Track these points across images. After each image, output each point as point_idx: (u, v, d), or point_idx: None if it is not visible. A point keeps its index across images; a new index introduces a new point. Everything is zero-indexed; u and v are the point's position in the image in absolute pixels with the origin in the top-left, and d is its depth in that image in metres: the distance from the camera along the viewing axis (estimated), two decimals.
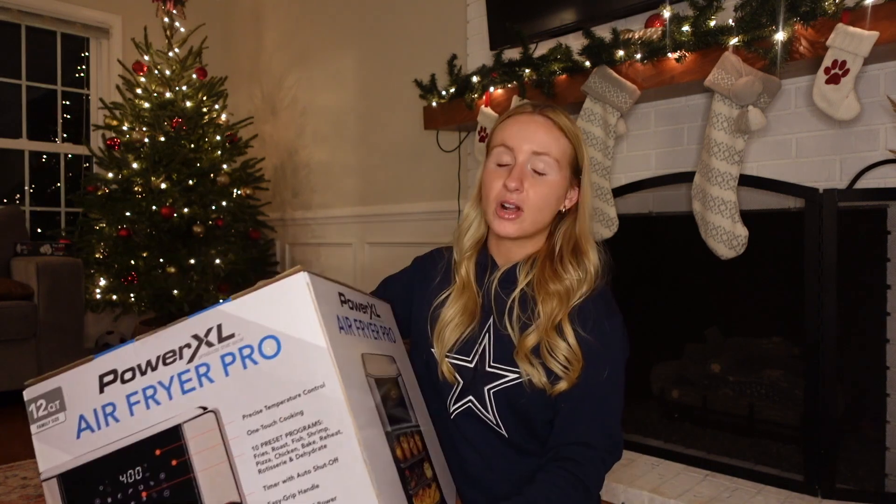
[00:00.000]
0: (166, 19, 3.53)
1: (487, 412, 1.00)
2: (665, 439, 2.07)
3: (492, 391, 0.99)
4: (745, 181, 1.82)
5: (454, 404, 1.03)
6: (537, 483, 0.89)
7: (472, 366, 1.02)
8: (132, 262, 3.25)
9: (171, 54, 3.51)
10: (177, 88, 3.46)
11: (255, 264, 3.58)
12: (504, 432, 1.00)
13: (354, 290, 0.88)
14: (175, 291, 3.24)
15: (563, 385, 0.94)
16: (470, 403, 1.01)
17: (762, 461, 1.86)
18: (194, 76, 3.55)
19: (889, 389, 1.68)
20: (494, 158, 1.02)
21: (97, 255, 3.32)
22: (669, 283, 2.27)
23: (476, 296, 1.04)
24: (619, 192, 2.12)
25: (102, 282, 3.28)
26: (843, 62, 1.56)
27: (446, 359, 1.03)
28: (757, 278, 2.00)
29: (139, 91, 3.44)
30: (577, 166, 1.03)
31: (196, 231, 3.23)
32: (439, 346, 1.03)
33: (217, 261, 3.31)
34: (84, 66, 4.06)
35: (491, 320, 1.02)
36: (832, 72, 1.58)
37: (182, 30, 3.59)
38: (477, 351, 1.01)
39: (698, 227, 1.85)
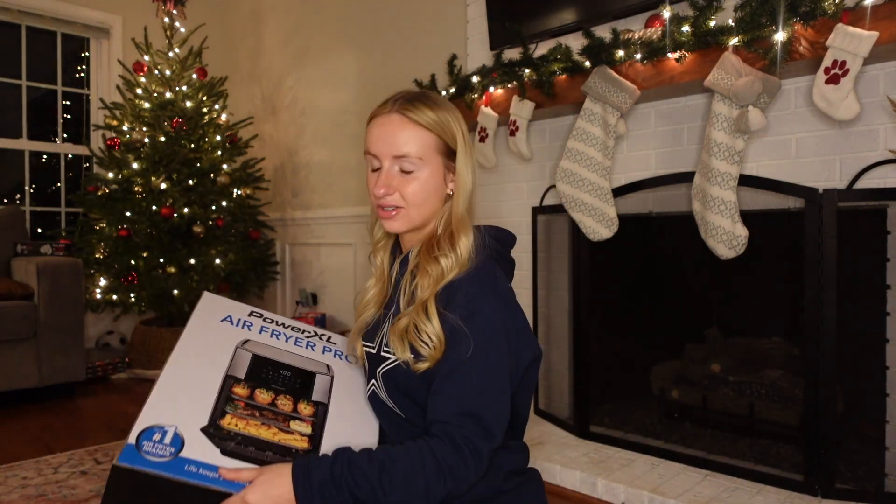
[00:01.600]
0: (166, 19, 3.53)
1: (382, 394, 1.04)
2: (665, 439, 2.07)
3: (380, 373, 1.03)
4: (745, 181, 1.82)
5: (368, 389, 1.09)
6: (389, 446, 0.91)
7: (374, 352, 1.06)
8: (132, 262, 3.25)
9: (171, 54, 3.52)
10: (177, 88, 3.46)
11: (255, 264, 3.59)
12: (400, 412, 1.03)
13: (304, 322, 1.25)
14: (175, 291, 3.24)
15: (425, 364, 0.95)
16: (373, 387, 1.06)
17: (762, 461, 1.86)
18: (194, 76, 3.55)
19: (889, 389, 1.68)
20: (368, 164, 1.06)
21: (97, 255, 3.32)
22: (669, 283, 2.27)
23: (386, 284, 1.11)
24: (619, 192, 2.13)
25: (102, 282, 3.28)
26: (843, 62, 1.56)
27: (361, 346, 1.09)
28: (757, 278, 2.00)
29: (139, 91, 3.45)
30: (451, 150, 1.03)
31: (196, 231, 3.23)
32: (358, 323, 1.11)
33: (217, 261, 3.31)
34: (84, 66, 4.06)
35: (393, 307, 1.05)
36: (832, 72, 1.58)
37: (182, 30, 3.59)
38: (380, 336, 1.05)
39: (698, 227, 1.85)
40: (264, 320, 1.15)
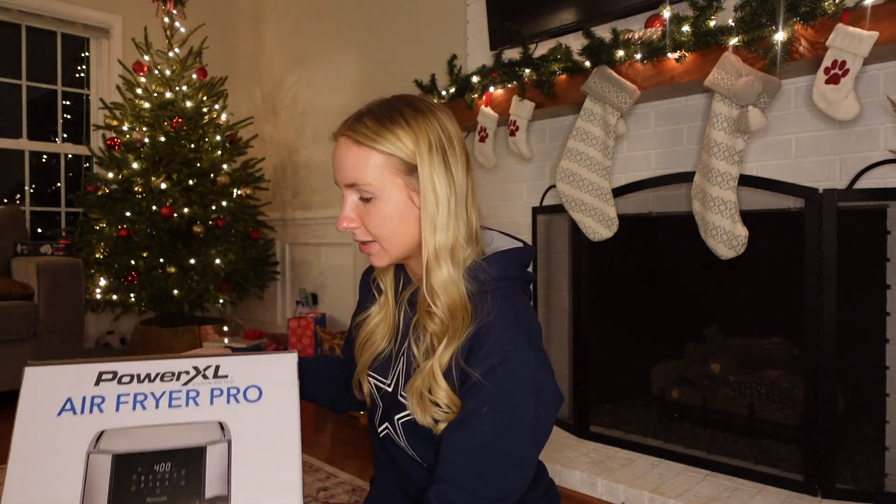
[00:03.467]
0: (166, 19, 3.54)
1: (400, 440, 0.94)
2: (665, 439, 2.07)
3: (399, 422, 0.92)
4: (745, 181, 1.82)
5: (380, 426, 0.97)
6: None
7: (390, 390, 0.95)
8: (132, 262, 3.25)
9: (171, 54, 3.52)
10: (177, 88, 3.46)
11: (255, 264, 3.59)
12: (421, 461, 0.94)
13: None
14: (175, 291, 3.24)
15: (443, 426, 0.85)
16: (387, 430, 0.95)
17: (762, 461, 1.86)
18: (194, 76, 3.55)
19: (889, 389, 1.68)
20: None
21: (97, 255, 3.32)
22: (669, 283, 2.27)
23: (393, 314, 0.98)
24: (619, 192, 2.13)
25: (102, 282, 3.28)
26: (843, 62, 1.56)
27: (369, 378, 0.98)
28: (757, 278, 2.00)
29: (139, 91, 3.45)
30: (413, 165, 0.86)
31: (196, 231, 3.23)
32: (364, 356, 0.99)
33: (217, 261, 3.31)
34: (84, 66, 4.06)
35: (409, 341, 0.93)
36: (832, 72, 1.58)
37: (182, 30, 3.59)
38: (394, 374, 0.94)
39: (698, 227, 1.85)
40: (119, 382, 0.81)
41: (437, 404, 0.84)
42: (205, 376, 0.82)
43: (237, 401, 0.81)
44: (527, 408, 0.81)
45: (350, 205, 0.89)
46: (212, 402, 0.81)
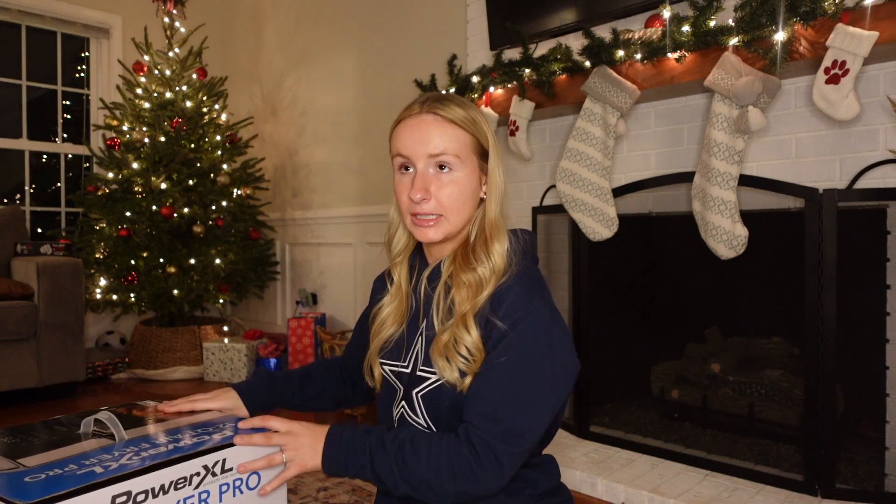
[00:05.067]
0: (166, 19, 3.54)
1: (418, 417, 0.96)
2: (665, 439, 2.07)
3: (419, 394, 0.96)
4: (745, 181, 1.82)
5: (395, 408, 1.00)
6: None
7: (408, 371, 0.99)
8: (132, 262, 3.25)
9: (171, 54, 3.52)
10: (177, 88, 3.46)
11: (255, 264, 3.59)
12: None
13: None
14: (175, 291, 3.24)
15: (467, 380, 0.90)
16: (402, 410, 0.98)
17: (762, 461, 1.86)
18: (194, 76, 3.55)
19: (889, 389, 1.68)
20: (396, 165, 0.98)
21: (97, 255, 3.32)
22: (669, 283, 2.27)
23: (406, 299, 1.03)
24: (619, 192, 2.13)
25: (102, 282, 3.28)
26: (843, 62, 1.56)
27: (384, 366, 1.02)
28: (757, 278, 2.00)
29: (139, 91, 3.45)
30: (485, 151, 0.98)
31: (196, 231, 3.23)
32: (376, 344, 1.04)
33: (217, 261, 3.31)
34: (84, 66, 4.06)
35: (423, 323, 0.99)
36: (832, 72, 1.58)
37: (182, 30, 3.59)
38: (411, 355, 0.99)
39: (698, 227, 1.85)
40: (135, 502, 0.74)
41: (461, 355, 0.90)
42: (213, 474, 0.83)
43: (241, 491, 0.86)
44: (542, 361, 0.88)
45: (426, 175, 0.94)
46: (220, 500, 0.84)
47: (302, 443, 0.89)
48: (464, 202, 0.96)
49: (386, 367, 1.03)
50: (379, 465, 0.87)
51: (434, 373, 0.94)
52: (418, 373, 0.97)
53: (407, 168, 0.96)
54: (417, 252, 1.07)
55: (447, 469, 0.85)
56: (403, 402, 0.98)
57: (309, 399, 1.16)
